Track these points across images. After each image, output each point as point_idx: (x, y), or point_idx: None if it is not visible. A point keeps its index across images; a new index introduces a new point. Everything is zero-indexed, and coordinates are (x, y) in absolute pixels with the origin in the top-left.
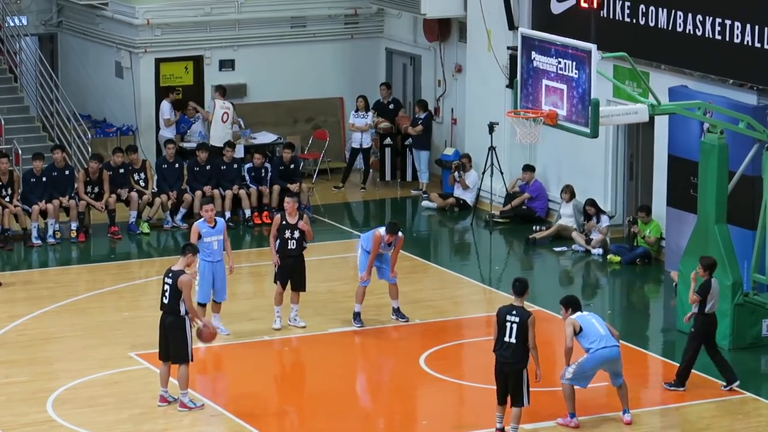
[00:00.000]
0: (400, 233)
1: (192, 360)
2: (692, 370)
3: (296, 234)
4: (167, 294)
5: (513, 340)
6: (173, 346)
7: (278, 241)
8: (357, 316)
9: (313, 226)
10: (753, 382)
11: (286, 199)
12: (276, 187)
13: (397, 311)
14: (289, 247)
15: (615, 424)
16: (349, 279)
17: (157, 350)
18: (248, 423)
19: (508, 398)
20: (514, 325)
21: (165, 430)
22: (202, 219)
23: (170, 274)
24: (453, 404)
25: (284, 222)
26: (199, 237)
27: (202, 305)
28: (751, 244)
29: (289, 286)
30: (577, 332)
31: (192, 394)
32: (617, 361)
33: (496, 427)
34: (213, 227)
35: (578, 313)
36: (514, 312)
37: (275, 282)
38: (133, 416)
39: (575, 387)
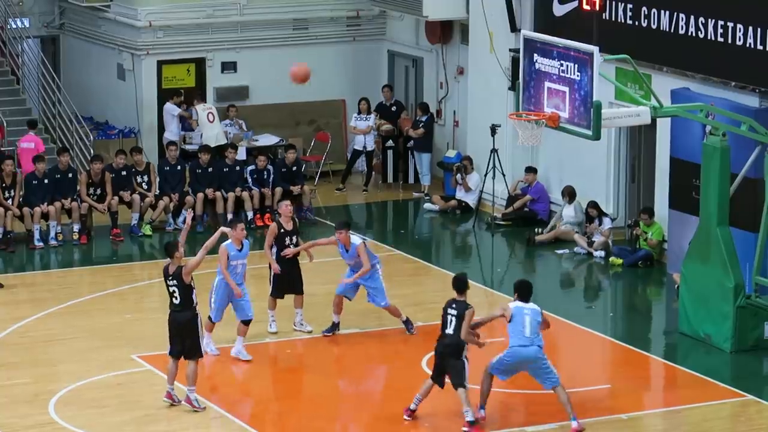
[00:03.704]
0: (353, 237)
1: (203, 356)
2: (695, 373)
3: (294, 239)
4: (176, 294)
5: (451, 332)
6: (189, 342)
7: (274, 248)
8: (331, 326)
9: (315, 228)
10: (755, 385)
11: (286, 202)
12: (278, 190)
13: (405, 323)
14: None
15: (615, 425)
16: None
17: (168, 349)
18: (250, 425)
19: (444, 383)
20: (453, 318)
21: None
22: (229, 241)
23: (171, 276)
24: (454, 407)
25: (282, 230)
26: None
27: (213, 323)
28: (753, 247)
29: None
30: (508, 320)
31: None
32: (535, 362)
33: (409, 408)
34: (240, 250)
35: (518, 304)
36: (454, 305)
37: (273, 296)
38: (135, 418)
39: (495, 378)
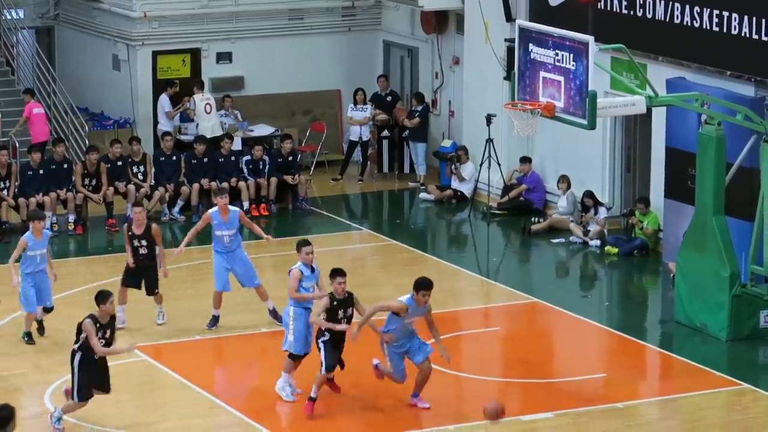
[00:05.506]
0: (230, 207)
1: (77, 401)
2: (691, 362)
3: (143, 242)
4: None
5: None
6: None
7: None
8: (212, 319)
9: (311, 219)
10: (751, 374)
11: (138, 209)
12: (274, 180)
13: (272, 312)
14: (140, 253)
15: (610, 414)
16: (347, 271)
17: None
18: (246, 415)
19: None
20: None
21: (162, 422)
22: (300, 264)
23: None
24: (451, 396)
25: (130, 233)
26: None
27: (298, 357)
28: (748, 236)
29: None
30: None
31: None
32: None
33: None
34: (312, 272)
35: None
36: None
37: (123, 285)
38: (131, 408)
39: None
